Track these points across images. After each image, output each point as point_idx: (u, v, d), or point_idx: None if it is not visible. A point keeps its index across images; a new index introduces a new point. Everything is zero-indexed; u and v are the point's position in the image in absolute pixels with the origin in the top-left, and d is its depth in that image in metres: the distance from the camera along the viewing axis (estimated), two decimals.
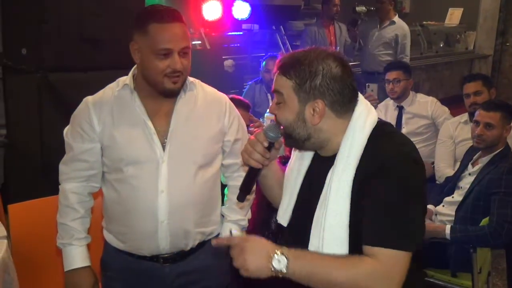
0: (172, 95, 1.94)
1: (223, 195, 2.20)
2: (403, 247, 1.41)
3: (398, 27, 6.00)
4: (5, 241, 2.09)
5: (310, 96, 1.50)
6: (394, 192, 1.42)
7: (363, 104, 1.56)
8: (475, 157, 3.21)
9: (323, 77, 1.49)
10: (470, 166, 3.21)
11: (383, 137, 1.52)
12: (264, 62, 4.69)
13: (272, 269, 1.39)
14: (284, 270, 1.39)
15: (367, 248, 1.43)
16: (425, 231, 1.50)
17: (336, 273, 1.40)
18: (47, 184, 2.32)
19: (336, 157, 1.52)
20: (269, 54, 4.78)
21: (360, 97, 1.58)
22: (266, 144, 1.60)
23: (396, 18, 6.02)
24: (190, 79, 1.99)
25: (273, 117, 1.64)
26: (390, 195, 1.42)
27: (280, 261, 1.39)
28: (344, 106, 1.53)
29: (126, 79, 1.96)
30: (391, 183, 1.43)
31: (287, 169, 1.74)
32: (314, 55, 1.52)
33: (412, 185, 1.45)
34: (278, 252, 1.39)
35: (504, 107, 3.17)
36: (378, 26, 6.08)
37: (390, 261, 1.40)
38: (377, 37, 6.06)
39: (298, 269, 1.40)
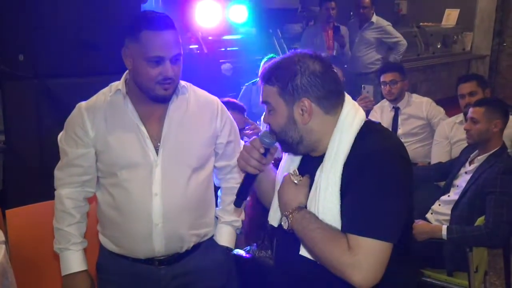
0: (163, 101, 1.95)
1: (216, 197, 2.21)
2: (378, 236, 1.42)
3: (377, 25, 6.08)
4: (3, 246, 2.11)
5: (294, 96, 1.54)
6: (373, 182, 1.45)
7: (350, 104, 1.60)
8: (472, 155, 3.23)
9: (302, 75, 1.53)
10: (467, 164, 3.23)
11: (371, 134, 1.55)
12: (262, 63, 4.70)
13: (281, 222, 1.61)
14: (286, 228, 1.58)
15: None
16: (402, 223, 1.50)
17: (319, 246, 1.49)
18: (46, 189, 2.33)
19: (325, 156, 1.56)
20: (268, 56, 4.77)
21: (347, 96, 1.61)
22: (262, 151, 1.63)
23: (374, 18, 6.09)
24: (182, 82, 2.01)
25: None
26: (369, 185, 1.45)
27: (285, 222, 1.58)
28: (331, 101, 1.56)
29: (118, 84, 1.98)
30: (371, 174, 1.46)
31: (278, 170, 1.76)
32: (291, 58, 1.57)
33: (392, 177, 1.46)
34: (287, 214, 1.57)
35: (489, 103, 3.22)
36: (359, 28, 6.16)
37: (363, 250, 1.42)
38: (359, 39, 6.13)
39: (296, 230, 1.55)
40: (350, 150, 1.52)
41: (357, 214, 1.46)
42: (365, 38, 6.11)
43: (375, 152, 1.49)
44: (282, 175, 1.69)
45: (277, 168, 1.78)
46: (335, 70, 1.61)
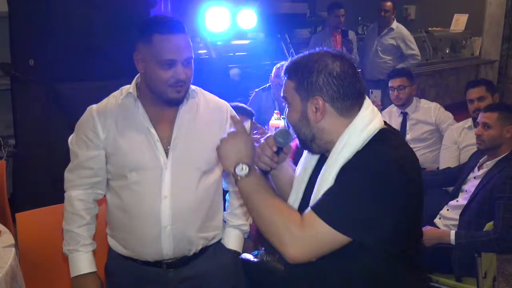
0: (176, 104, 1.97)
1: (224, 200, 2.22)
2: (332, 223, 1.43)
3: (397, 32, 6.03)
4: (13, 249, 2.13)
5: (309, 93, 1.55)
6: (359, 180, 1.45)
7: (369, 109, 1.58)
8: (481, 160, 3.22)
9: (319, 73, 1.53)
10: (476, 169, 3.22)
11: (378, 144, 1.52)
12: (274, 68, 4.72)
13: (233, 170, 1.55)
14: (238, 177, 1.55)
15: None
16: (373, 227, 1.46)
17: (267, 208, 1.50)
18: (55, 193, 2.35)
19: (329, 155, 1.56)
20: (281, 63, 4.78)
21: (367, 101, 1.60)
22: (275, 149, 1.67)
23: (394, 24, 6.05)
24: (192, 86, 2.03)
25: (277, 124, 1.70)
26: (354, 182, 1.45)
27: (242, 169, 1.54)
28: (346, 103, 1.55)
29: (129, 88, 2.00)
30: (361, 173, 1.46)
31: (297, 167, 1.77)
32: (313, 55, 1.58)
33: (382, 184, 1.44)
34: (246, 162, 1.55)
35: (502, 108, 3.19)
36: (377, 34, 6.13)
37: (313, 230, 1.44)
38: (377, 45, 6.10)
39: (247, 185, 1.54)
40: (353, 156, 1.51)
41: (326, 199, 1.47)
42: (384, 44, 6.06)
43: (372, 157, 1.48)
44: (299, 173, 1.71)
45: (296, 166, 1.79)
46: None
